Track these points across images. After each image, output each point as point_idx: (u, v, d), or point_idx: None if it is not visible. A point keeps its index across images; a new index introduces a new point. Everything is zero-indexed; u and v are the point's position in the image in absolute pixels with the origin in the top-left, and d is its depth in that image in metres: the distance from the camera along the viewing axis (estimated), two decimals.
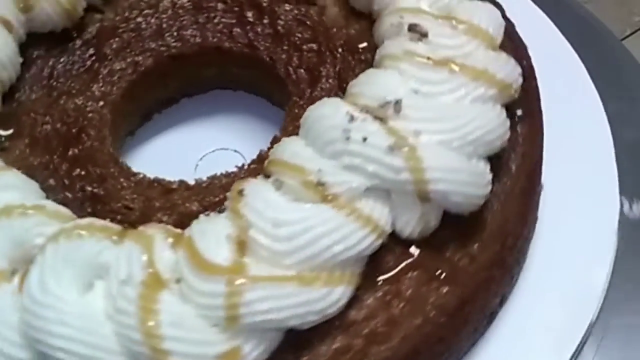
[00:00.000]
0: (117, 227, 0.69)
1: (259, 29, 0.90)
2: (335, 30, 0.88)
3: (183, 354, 0.62)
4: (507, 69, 0.74)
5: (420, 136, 0.68)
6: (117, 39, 0.91)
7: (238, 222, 0.66)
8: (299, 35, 0.88)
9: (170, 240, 0.67)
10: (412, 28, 0.75)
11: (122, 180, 0.80)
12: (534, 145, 0.78)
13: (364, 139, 0.67)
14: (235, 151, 0.95)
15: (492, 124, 0.71)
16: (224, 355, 0.62)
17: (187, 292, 0.63)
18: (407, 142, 0.67)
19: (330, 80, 0.84)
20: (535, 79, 0.84)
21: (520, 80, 0.76)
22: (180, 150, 0.96)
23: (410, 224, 0.69)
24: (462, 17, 0.77)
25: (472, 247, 0.71)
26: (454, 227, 0.71)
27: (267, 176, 0.70)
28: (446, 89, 0.71)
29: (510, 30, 0.86)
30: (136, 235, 0.67)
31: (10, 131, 0.84)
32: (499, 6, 0.89)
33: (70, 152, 0.82)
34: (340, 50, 0.86)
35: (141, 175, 0.80)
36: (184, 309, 0.63)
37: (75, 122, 0.85)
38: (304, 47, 0.87)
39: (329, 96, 0.82)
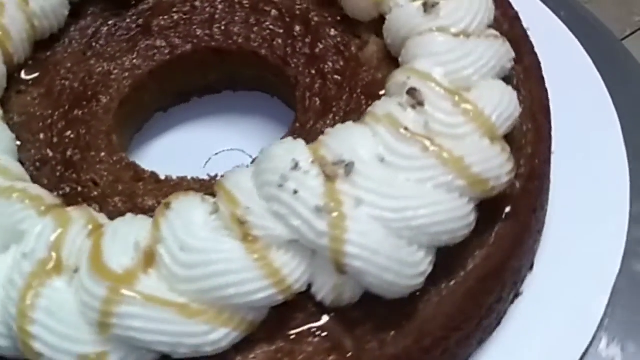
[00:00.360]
0: (52, 199, 0.70)
1: (299, 46, 0.88)
2: (365, 69, 0.85)
3: (47, 343, 0.63)
4: (491, 164, 0.69)
5: (360, 206, 0.65)
6: (167, 17, 0.92)
7: (154, 233, 0.66)
8: (331, 64, 0.86)
9: (90, 227, 0.67)
10: (411, 92, 0.71)
11: (103, 154, 0.81)
12: (502, 249, 0.72)
13: (295, 192, 0.64)
14: (250, 156, 0.94)
15: (446, 216, 0.66)
16: (87, 358, 0.63)
17: (77, 285, 0.64)
18: (339, 208, 0.64)
19: (337, 118, 0.82)
20: (541, 180, 0.78)
21: (506, 179, 0.70)
22: (201, 142, 0.96)
23: (324, 289, 0.66)
24: (470, 96, 0.72)
25: (387, 333, 0.68)
26: (377, 306, 0.67)
27: (214, 196, 0.69)
28: (412, 166, 0.67)
29: (542, 124, 0.80)
30: (60, 213, 0.68)
31: (34, 76, 0.88)
32: (544, 94, 0.83)
33: (74, 113, 0.84)
34: (359, 90, 0.83)
35: (122, 155, 0.81)
36: (69, 300, 0.64)
37: (94, 86, 0.87)
38: (329, 77, 0.85)
39: None
